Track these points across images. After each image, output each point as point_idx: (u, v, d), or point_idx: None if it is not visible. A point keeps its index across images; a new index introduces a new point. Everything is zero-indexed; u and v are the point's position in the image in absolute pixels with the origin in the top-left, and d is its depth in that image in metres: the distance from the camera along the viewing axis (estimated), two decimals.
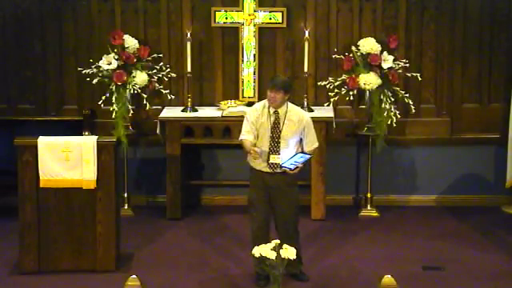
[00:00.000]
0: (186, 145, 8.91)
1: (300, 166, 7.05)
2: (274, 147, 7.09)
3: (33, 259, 7.43)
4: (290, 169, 7.02)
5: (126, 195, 9.01)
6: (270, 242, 6.47)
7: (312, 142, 7.20)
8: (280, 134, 7.08)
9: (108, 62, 8.71)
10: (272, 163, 7.09)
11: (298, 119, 7.12)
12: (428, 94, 9.20)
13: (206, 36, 9.14)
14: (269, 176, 7.12)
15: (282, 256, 6.16)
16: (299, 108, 7.30)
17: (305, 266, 7.40)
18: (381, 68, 8.68)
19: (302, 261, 7.27)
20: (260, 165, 7.13)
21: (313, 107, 8.96)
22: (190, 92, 8.99)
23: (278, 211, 7.20)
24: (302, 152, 7.13)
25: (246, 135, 7.13)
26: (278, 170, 7.08)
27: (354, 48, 8.82)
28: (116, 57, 8.72)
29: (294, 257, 6.24)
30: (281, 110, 7.11)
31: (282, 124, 7.09)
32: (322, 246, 8.13)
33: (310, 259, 7.62)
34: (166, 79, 9.06)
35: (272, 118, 7.10)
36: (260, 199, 7.17)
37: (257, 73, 9.11)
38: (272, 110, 7.11)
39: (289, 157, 7.06)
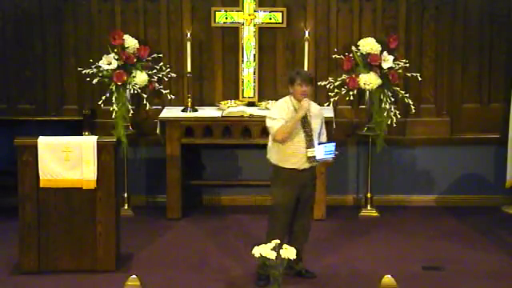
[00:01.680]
0: (186, 145, 8.91)
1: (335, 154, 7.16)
2: (309, 141, 7.09)
3: (33, 259, 7.43)
4: (332, 157, 7.13)
5: (125, 195, 9.01)
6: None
7: (325, 135, 7.32)
8: (311, 127, 7.11)
9: (108, 62, 8.72)
10: (310, 157, 7.09)
11: (319, 112, 7.21)
12: (428, 94, 9.20)
13: (206, 36, 9.14)
14: (302, 173, 7.12)
15: (282, 256, 6.16)
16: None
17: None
18: (381, 68, 8.68)
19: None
20: (295, 163, 7.10)
21: None
22: (189, 92, 8.99)
23: (301, 207, 7.24)
24: (323, 142, 7.19)
25: (279, 123, 7.02)
26: (314, 164, 7.14)
27: (354, 48, 8.82)
28: (116, 57, 8.72)
29: (295, 256, 6.24)
30: (305, 103, 7.08)
31: (309, 117, 7.11)
32: (321, 245, 8.12)
33: (310, 259, 7.61)
34: (166, 79, 9.06)
35: (299, 116, 7.07)
36: (290, 199, 7.15)
37: (257, 73, 9.11)
38: (298, 105, 7.08)
39: (319, 149, 7.11)
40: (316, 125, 7.14)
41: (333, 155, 7.14)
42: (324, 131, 7.30)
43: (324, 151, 7.11)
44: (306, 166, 7.12)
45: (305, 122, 7.09)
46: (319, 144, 7.13)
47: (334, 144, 7.17)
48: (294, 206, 7.19)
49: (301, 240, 7.27)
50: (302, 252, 7.25)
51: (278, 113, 7.10)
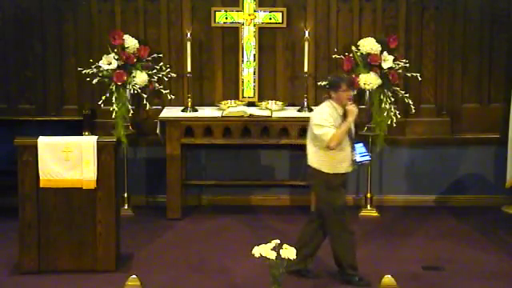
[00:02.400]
0: (186, 145, 8.91)
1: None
2: (352, 145, 7.15)
3: (33, 259, 7.43)
4: (368, 160, 7.21)
5: (125, 195, 9.01)
6: None
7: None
8: (351, 130, 7.15)
9: (108, 62, 8.72)
10: (354, 161, 7.16)
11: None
12: (428, 94, 9.20)
13: (205, 36, 9.14)
14: (345, 176, 7.23)
15: (282, 256, 6.16)
16: None
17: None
18: (381, 68, 8.68)
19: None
20: (347, 167, 7.16)
21: (313, 107, 8.95)
22: (189, 92, 8.99)
23: None
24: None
25: (331, 129, 7.03)
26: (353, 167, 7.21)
27: (354, 48, 8.82)
28: (116, 57, 8.72)
29: (294, 257, 6.24)
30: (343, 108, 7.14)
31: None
32: (321, 245, 8.11)
33: (309, 259, 7.61)
34: (166, 79, 9.06)
35: (343, 119, 7.10)
36: (345, 199, 7.31)
37: (257, 73, 9.11)
38: (341, 111, 7.09)
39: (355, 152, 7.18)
40: (352, 129, 7.19)
41: (369, 157, 7.21)
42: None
43: (359, 152, 7.16)
44: (352, 169, 7.20)
45: (350, 129, 7.15)
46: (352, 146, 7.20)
47: (362, 145, 7.21)
48: None
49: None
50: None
51: (327, 120, 7.05)
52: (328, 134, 6.99)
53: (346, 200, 7.39)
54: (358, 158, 7.15)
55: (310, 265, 7.39)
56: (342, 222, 7.25)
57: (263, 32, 9.09)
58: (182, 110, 8.96)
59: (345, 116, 7.08)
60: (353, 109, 7.05)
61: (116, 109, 8.73)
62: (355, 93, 7.21)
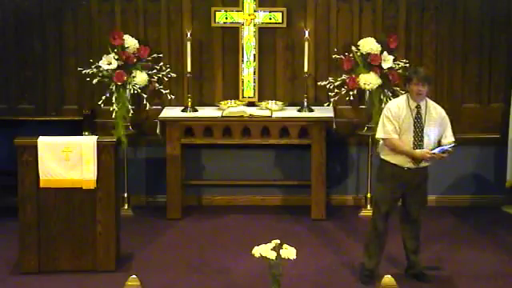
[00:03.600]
0: (186, 145, 8.91)
1: (449, 150, 7.14)
2: (418, 142, 7.07)
3: (33, 259, 7.43)
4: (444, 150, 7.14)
5: (126, 195, 9.01)
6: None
7: (451, 136, 7.18)
8: (423, 128, 7.06)
9: (108, 62, 8.71)
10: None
11: (438, 114, 7.12)
12: (428, 94, 9.18)
13: (205, 36, 9.14)
14: (406, 171, 7.12)
15: (282, 256, 6.16)
16: (435, 103, 7.24)
17: (304, 265, 7.40)
18: (381, 68, 8.68)
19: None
20: (400, 160, 7.11)
21: (313, 107, 8.96)
22: (190, 92, 8.99)
23: (407, 207, 7.33)
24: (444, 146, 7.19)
25: (394, 134, 7.07)
26: (422, 164, 7.12)
27: (354, 48, 8.82)
28: (116, 57, 8.72)
29: (294, 257, 6.23)
30: (422, 104, 7.07)
31: (423, 118, 7.06)
32: (321, 245, 8.13)
33: (309, 259, 7.62)
34: (166, 79, 9.06)
35: (414, 113, 7.06)
36: (389, 194, 7.23)
37: (257, 73, 9.11)
38: (414, 105, 7.06)
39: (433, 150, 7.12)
40: (430, 127, 7.07)
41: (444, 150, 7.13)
42: (447, 135, 7.15)
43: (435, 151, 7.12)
44: (411, 165, 7.09)
45: (417, 123, 7.06)
46: (437, 147, 7.12)
47: (448, 147, 7.17)
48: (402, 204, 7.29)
49: (414, 240, 7.42)
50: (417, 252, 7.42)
51: (391, 110, 7.08)
52: (388, 132, 7.07)
53: (389, 201, 7.25)
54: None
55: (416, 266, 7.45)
56: (375, 215, 7.34)
57: (263, 32, 9.09)
58: (182, 110, 8.96)
59: (417, 109, 7.04)
60: (425, 156, 7.05)
61: (116, 109, 8.73)
62: (424, 89, 7.01)
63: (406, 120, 7.06)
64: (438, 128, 7.12)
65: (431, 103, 7.17)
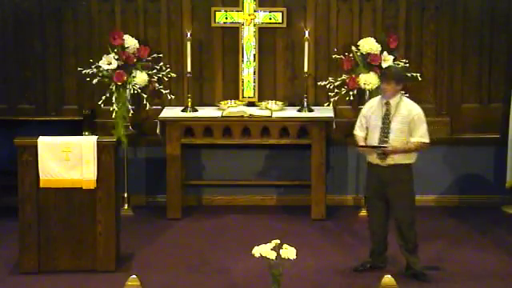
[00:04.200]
0: (186, 145, 8.91)
1: (382, 148, 7.14)
2: (383, 137, 7.14)
3: (33, 259, 7.43)
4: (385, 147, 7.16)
5: (126, 195, 9.01)
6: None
7: (420, 137, 7.16)
8: (389, 124, 7.12)
9: (108, 62, 8.72)
10: (379, 154, 7.18)
11: (408, 111, 7.15)
12: (428, 94, 9.20)
13: (205, 36, 9.14)
14: (378, 168, 7.22)
15: (282, 256, 6.16)
16: (412, 102, 7.29)
17: (304, 265, 7.40)
18: (381, 68, 8.68)
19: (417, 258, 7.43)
20: (371, 158, 7.25)
21: (313, 107, 8.96)
22: (190, 92, 8.99)
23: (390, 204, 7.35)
24: None
25: (358, 130, 7.33)
26: (389, 161, 7.15)
27: (353, 48, 8.82)
28: (116, 57, 8.72)
29: (294, 257, 6.23)
30: (392, 102, 7.15)
31: (392, 115, 7.14)
32: (321, 245, 8.13)
33: (309, 259, 7.62)
34: (166, 79, 9.06)
35: (384, 110, 7.16)
36: (371, 192, 7.37)
37: (257, 73, 9.11)
38: (384, 101, 7.18)
39: None
40: (397, 124, 7.13)
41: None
42: (417, 134, 7.15)
43: None
44: (378, 162, 7.18)
45: (385, 119, 7.15)
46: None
47: (382, 145, 7.19)
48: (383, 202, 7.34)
49: (398, 237, 7.41)
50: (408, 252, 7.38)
51: (364, 110, 7.36)
52: (356, 127, 7.39)
53: (372, 198, 7.38)
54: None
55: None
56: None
57: (263, 32, 9.09)
58: (182, 110, 8.96)
59: (386, 106, 7.17)
60: (362, 150, 7.31)
61: (116, 109, 8.74)
62: (388, 86, 7.12)
63: (375, 117, 7.19)
64: (406, 126, 7.15)
65: (406, 102, 7.22)
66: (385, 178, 7.22)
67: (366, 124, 7.27)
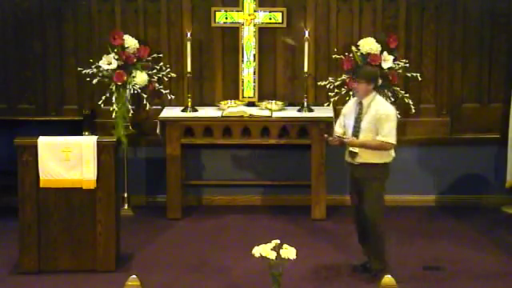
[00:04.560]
0: (186, 145, 8.91)
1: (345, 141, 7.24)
2: (354, 135, 7.21)
3: (33, 259, 7.43)
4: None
5: (125, 195, 9.01)
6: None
7: (383, 136, 7.15)
8: (360, 123, 7.18)
9: (108, 62, 8.72)
10: (350, 151, 7.25)
11: (376, 111, 7.18)
12: (428, 94, 9.20)
13: (205, 36, 9.14)
14: (351, 166, 7.31)
15: (282, 256, 6.16)
16: (385, 102, 7.36)
17: (304, 265, 7.40)
18: (381, 68, 8.68)
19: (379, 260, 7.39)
20: (346, 155, 7.33)
21: (313, 107, 8.96)
22: (190, 92, 8.99)
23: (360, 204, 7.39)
24: None
25: (337, 127, 7.50)
26: (357, 159, 7.22)
27: (354, 48, 8.82)
28: (116, 57, 8.72)
29: (294, 257, 6.23)
30: (365, 101, 7.21)
31: (363, 115, 7.20)
32: (321, 245, 8.13)
33: (309, 259, 7.62)
34: (166, 79, 9.06)
35: (357, 109, 7.25)
36: (350, 189, 7.50)
37: (257, 73, 9.11)
38: (358, 101, 7.26)
39: None
40: (366, 123, 7.18)
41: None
42: (382, 133, 7.14)
43: None
44: (350, 160, 7.27)
45: (358, 118, 7.22)
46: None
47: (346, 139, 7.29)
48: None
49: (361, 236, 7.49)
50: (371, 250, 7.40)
51: (343, 110, 7.51)
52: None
53: (354, 197, 7.47)
54: None
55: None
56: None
57: (263, 32, 9.09)
58: (182, 110, 8.96)
59: (360, 105, 7.26)
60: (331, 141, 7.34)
61: (116, 109, 8.74)
62: (360, 86, 7.19)
63: (349, 116, 7.30)
64: (373, 124, 7.17)
65: (377, 101, 7.23)
66: (356, 175, 7.32)
67: (344, 122, 7.39)
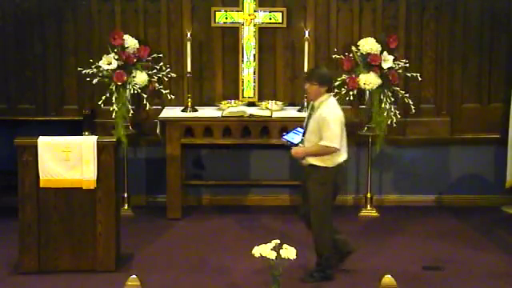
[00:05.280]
0: (186, 145, 8.91)
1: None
2: (303, 137, 7.22)
3: (33, 259, 7.43)
4: (290, 142, 7.22)
5: (126, 195, 9.01)
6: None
7: (323, 140, 7.06)
8: (308, 126, 7.19)
9: (108, 62, 8.72)
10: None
11: (319, 114, 7.13)
12: (428, 94, 9.20)
13: (205, 36, 9.14)
14: (302, 167, 7.31)
15: (282, 256, 6.16)
16: (335, 106, 7.19)
17: (304, 265, 7.40)
18: (381, 68, 8.68)
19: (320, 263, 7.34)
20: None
21: None
22: (189, 92, 8.99)
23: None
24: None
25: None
26: (304, 160, 7.20)
27: (354, 48, 8.82)
28: (116, 57, 8.72)
29: (294, 257, 6.24)
30: (316, 103, 7.17)
31: (312, 116, 7.19)
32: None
33: (309, 259, 7.61)
34: (166, 79, 9.06)
35: (309, 110, 7.26)
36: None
37: (257, 73, 9.11)
38: (311, 103, 7.25)
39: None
40: (312, 126, 7.16)
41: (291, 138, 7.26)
42: (322, 135, 7.08)
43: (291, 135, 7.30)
44: (300, 161, 7.27)
45: (307, 120, 7.22)
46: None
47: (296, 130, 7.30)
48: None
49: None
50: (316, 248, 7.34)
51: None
52: None
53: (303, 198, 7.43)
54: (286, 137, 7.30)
55: None
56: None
57: (263, 32, 9.09)
58: (182, 110, 8.96)
59: (311, 108, 7.26)
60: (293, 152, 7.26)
61: (116, 109, 8.73)
62: (311, 87, 7.14)
63: (306, 117, 7.32)
64: (317, 127, 7.13)
65: (328, 104, 7.14)
66: (304, 175, 7.32)
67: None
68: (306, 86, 7.26)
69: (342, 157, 7.20)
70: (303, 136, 7.22)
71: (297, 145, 7.21)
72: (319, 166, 7.16)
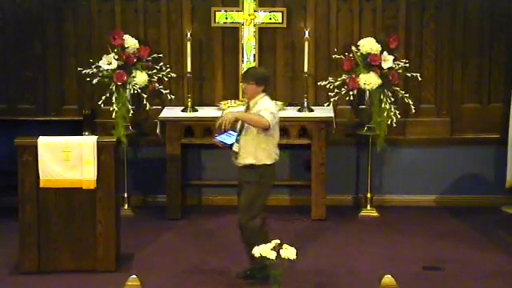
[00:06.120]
0: (186, 145, 8.91)
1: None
2: (238, 136, 7.17)
3: (33, 259, 7.43)
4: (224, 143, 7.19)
5: (126, 195, 9.01)
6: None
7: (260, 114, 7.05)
8: (243, 124, 7.13)
9: (108, 62, 8.72)
10: (233, 150, 7.21)
11: (257, 109, 7.08)
12: (428, 93, 9.20)
13: (205, 36, 9.14)
14: (237, 169, 7.27)
15: (282, 256, 6.16)
16: (269, 103, 7.15)
17: (304, 265, 7.40)
18: (381, 68, 8.68)
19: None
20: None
21: (313, 107, 8.96)
22: (190, 92, 8.99)
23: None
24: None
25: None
26: (239, 161, 7.18)
27: (353, 48, 8.82)
28: (116, 57, 8.72)
29: (294, 257, 6.23)
30: (251, 103, 7.17)
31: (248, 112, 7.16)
32: (321, 245, 8.13)
33: (309, 259, 7.62)
34: (166, 79, 9.06)
35: (245, 109, 7.24)
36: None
37: None
38: (246, 104, 7.25)
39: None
40: (247, 126, 7.14)
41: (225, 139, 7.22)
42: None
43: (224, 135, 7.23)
44: (234, 161, 7.25)
45: (242, 123, 7.18)
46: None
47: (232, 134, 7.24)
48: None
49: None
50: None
51: None
52: None
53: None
54: (219, 138, 7.22)
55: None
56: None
57: (263, 32, 9.09)
58: (182, 110, 8.97)
59: (246, 107, 7.25)
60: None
61: (116, 109, 8.74)
62: (248, 87, 7.13)
63: None
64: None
65: (262, 100, 7.12)
66: (238, 177, 7.30)
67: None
68: (243, 85, 7.23)
69: (276, 153, 7.25)
70: (238, 137, 7.15)
71: (231, 145, 7.18)
72: (255, 165, 7.13)
